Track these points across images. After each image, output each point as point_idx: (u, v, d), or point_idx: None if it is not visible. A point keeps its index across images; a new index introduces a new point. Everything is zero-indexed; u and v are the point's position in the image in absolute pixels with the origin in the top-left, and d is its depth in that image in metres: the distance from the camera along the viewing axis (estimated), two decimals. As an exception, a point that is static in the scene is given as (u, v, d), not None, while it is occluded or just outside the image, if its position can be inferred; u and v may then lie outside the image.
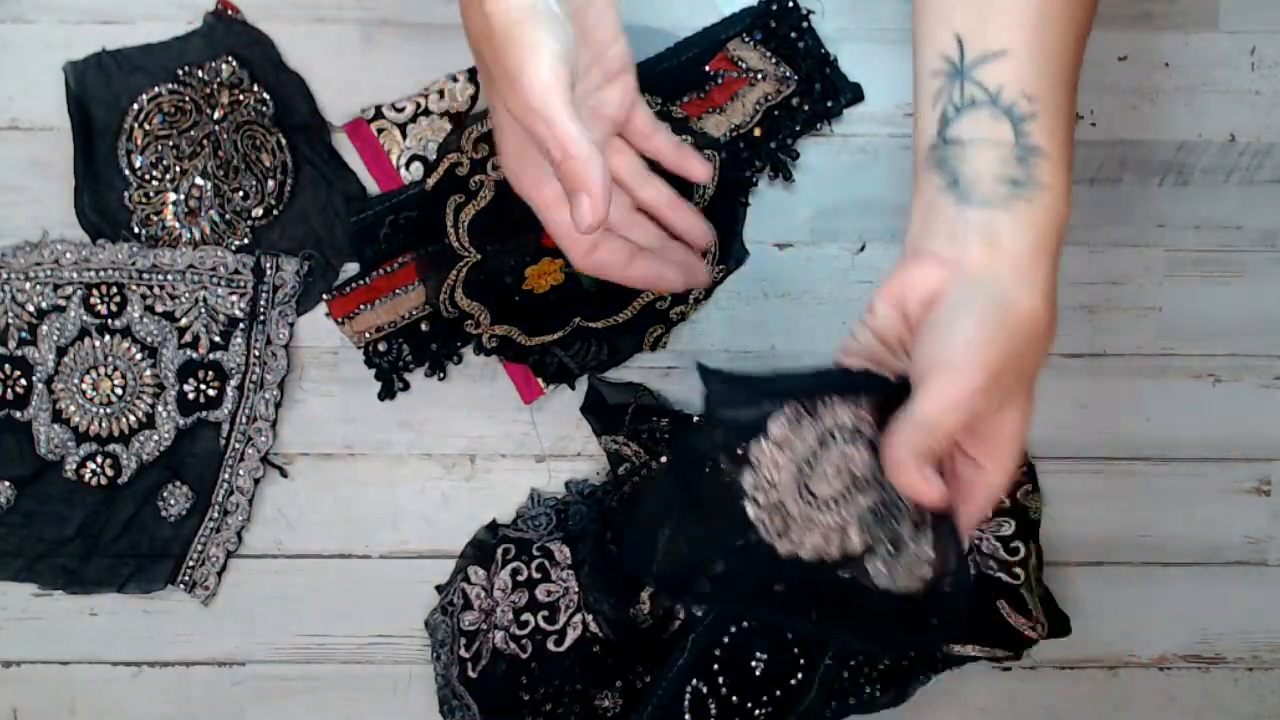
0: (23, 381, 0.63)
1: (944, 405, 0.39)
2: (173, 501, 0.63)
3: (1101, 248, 0.65)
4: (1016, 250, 0.40)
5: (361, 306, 0.63)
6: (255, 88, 0.63)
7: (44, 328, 0.62)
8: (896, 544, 0.43)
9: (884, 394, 0.42)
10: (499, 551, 0.62)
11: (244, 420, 0.63)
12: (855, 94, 0.64)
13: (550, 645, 0.61)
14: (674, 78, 0.63)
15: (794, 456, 0.42)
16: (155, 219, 0.63)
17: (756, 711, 0.60)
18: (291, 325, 0.64)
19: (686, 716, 0.60)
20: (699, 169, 0.55)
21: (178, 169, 0.63)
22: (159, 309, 0.63)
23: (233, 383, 0.63)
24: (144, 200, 0.63)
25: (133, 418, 0.63)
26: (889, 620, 0.43)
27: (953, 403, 0.39)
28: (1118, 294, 0.65)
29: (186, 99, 0.63)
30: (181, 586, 0.64)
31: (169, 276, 0.63)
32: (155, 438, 0.63)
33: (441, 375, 0.64)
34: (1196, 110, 0.65)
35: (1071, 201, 0.42)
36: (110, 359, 0.63)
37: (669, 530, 0.44)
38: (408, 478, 0.65)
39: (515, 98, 0.43)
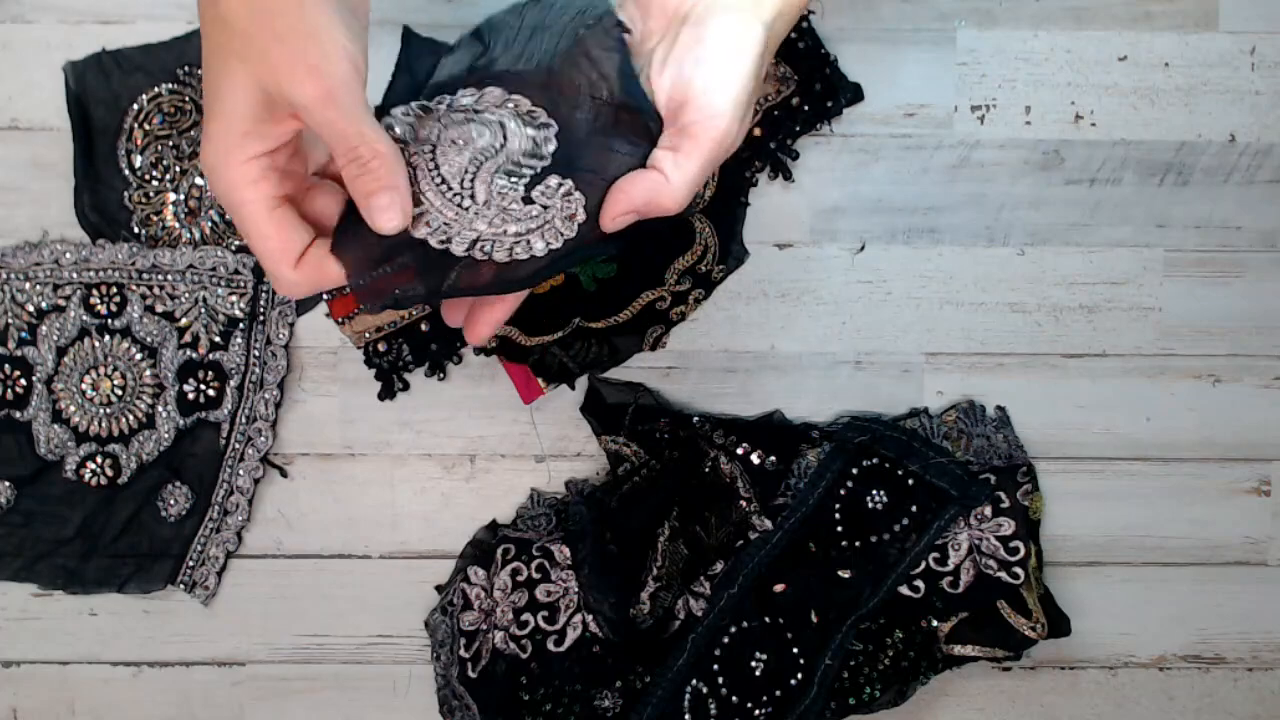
0: (23, 381, 0.63)
1: (702, 165, 0.44)
2: (172, 501, 0.63)
3: (1101, 248, 0.65)
4: None
5: (362, 306, 0.63)
6: (255, 88, 0.63)
7: (44, 328, 0.62)
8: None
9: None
10: (499, 551, 0.62)
11: (244, 420, 0.63)
12: (855, 94, 0.64)
13: (550, 645, 0.61)
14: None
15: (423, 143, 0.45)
16: (155, 219, 0.63)
17: (756, 711, 0.60)
18: (291, 325, 0.64)
19: (686, 716, 0.60)
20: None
21: (178, 169, 0.63)
22: (159, 309, 0.63)
23: (233, 383, 0.63)
24: (144, 200, 0.63)
25: (132, 418, 0.63)
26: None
27: (709, 160, 0.44)
28: (1118, 294, 0.65)
29: (186, 99, 0.63)
30: (181, 586, 0.64)
31: (169, 276, 0.63)
32: (155, 438, 0.63)
33: (441, 375, 0.64)
34: (1196, 110, 0.65)
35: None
36: (110, 359, 0.63)
37: None
38: (408, 478, 0.65)
39: (310, 87, 0.39)
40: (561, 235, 0.44)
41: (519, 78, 0.45)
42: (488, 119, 0.45)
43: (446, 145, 0.44)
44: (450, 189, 0.44)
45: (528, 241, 0.44)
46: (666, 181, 0.44)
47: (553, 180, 0.44)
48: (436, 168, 0.44)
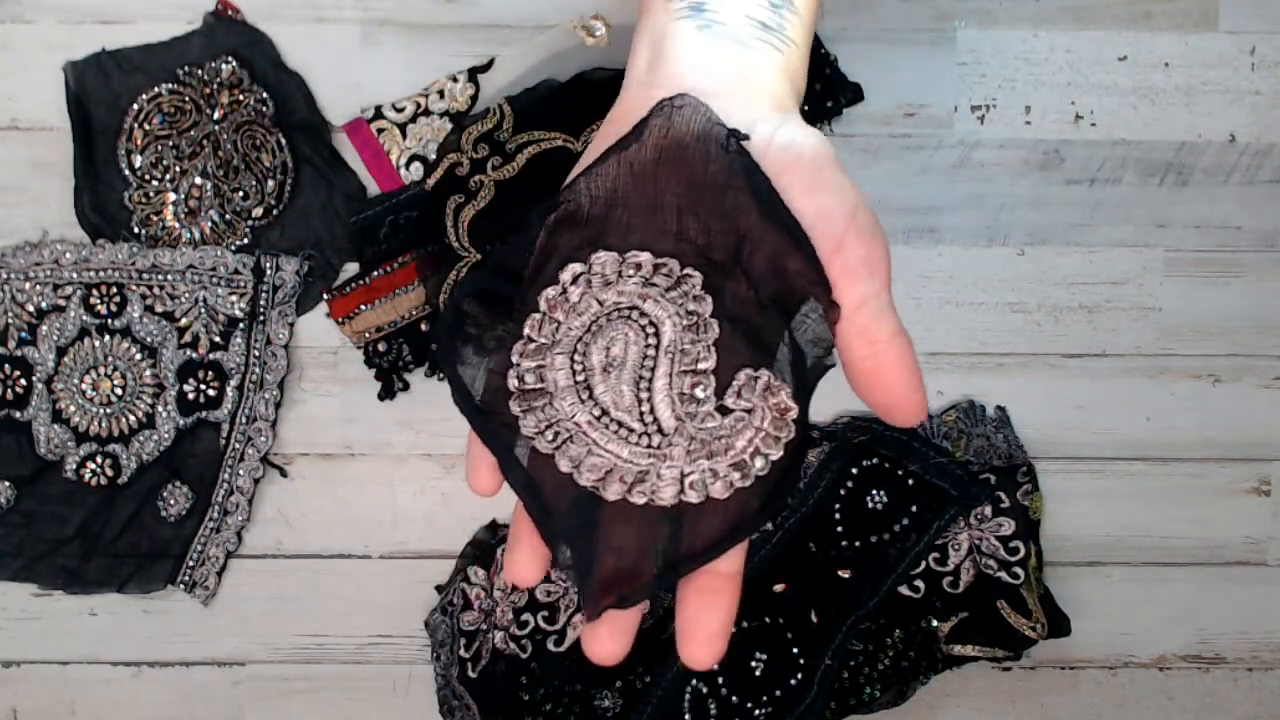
0: (23, 381, 0.63)
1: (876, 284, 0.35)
2: (172, 501, 0.63)
3: (1101, 248, 0.65)
4: (775, 90, 0.36)
5: (361, 306, 0.63)
6: (255, 88, 0.63)
7: (44, 328, 0.62)
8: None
9: None
10: (499, 551, 0.62)
11: (244, 420, 0.63)
12: (855, 94, 0.63)
13: (550, 645, 0.61)
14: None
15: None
16: (155, 219, 0.63)
17: (756, 711, 0.60)
18: (291, 325, 0.64)
19: (686, 716, 0.60)
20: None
21: (178, 169, 0.63)
22: (159, 309, 0.63)
23: (232, 383, 0.63)
24: (144, 200, 0.63)
25: (133, 418, 0.63)
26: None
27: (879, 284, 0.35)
28: (1118, 294, 0.65)
29: (186, 99, 0.63)
30: (181, 586, 0.64)
31: (169, 276, 0.63)
32: (155, 438, 0.63)
33: (441, 375, 0.64)
34: (1196, 110, 0.65)
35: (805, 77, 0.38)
36: (110, 359, 0.63)
37: None
38: (408, 478, 0.65)
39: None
40: (777, 439, 0.33)
41: (627, 228, 0.34)
42: (617, 315, 0.34)
43: (597, 375, 0.34)
44: (632, 431, 0.34)
45: (743, 462, 0.33)
46: (903, 334, 0.34)
47: (742, 376, 0.33)
48: (604, 411, 0.34)
